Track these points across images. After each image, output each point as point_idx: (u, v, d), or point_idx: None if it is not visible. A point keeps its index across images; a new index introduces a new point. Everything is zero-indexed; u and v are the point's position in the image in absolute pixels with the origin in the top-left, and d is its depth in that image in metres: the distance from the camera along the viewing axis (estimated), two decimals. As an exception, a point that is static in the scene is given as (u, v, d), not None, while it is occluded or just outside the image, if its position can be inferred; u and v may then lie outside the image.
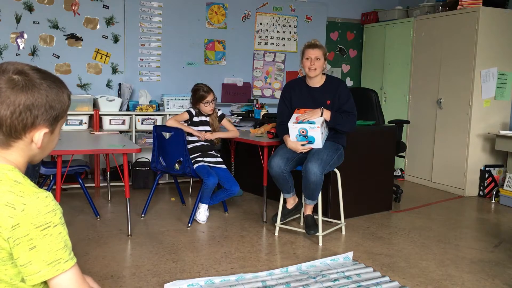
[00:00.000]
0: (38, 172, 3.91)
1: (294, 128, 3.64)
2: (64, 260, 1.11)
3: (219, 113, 4.37)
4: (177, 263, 3.20)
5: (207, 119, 4.28)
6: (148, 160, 5.30)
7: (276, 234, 3.84)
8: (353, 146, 4.15)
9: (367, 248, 3.59)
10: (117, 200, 4.81)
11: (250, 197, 5.07)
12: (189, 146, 4.18)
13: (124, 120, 5.41)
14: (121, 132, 5.20)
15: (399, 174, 6.22)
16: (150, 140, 5.31)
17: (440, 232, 4.03)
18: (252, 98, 6.36)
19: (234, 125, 4.61)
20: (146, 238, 3.69)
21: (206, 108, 4.20)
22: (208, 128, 4.28)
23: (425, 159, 5.91)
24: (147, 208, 4.31)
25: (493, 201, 5.15)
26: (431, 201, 5.14)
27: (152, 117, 5.53)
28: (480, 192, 5.37)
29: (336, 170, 3.82)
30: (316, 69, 3.72)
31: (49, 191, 1.15)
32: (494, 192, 5.18)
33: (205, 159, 4.17)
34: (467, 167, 5.36)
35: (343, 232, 3.93)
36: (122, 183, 4.34)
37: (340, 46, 7.06)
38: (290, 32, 6.62)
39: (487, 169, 5.31)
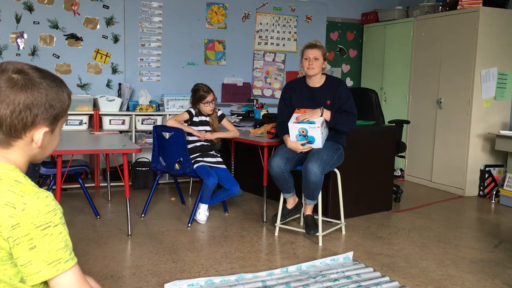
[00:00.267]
0: (38, 172, 3.91)
1: (294, 128, 3.64)
2: (65, 260, 1.11)
3: (219, 113, 4.37)
4: (177, 263, 3.20)
5: (207, 119, 4.28)
6: (148, 160, 5.30)
7: (276, 234, 3.84)
8: (353, 146, 4.15)
9: (367, 248, 3.59)
10: (117, 200, 4.81)
11: (250, 197, 5.07)
12: (189, 146, 4.18)
13: (124, 120, 5.41)
14: (121, 132, 5.20)
15: (399, 174, 6.22)
16: (150, 140, 5.31)
17: (440, 232, 4.03)
18: (252, 98, 6.36)
19: (234, 125, 4.62)
20: (146, 238, 3.69)
21: (206, 108, 4.20)
22: (208, 128, 4.28)
23: (425, 159, 5.91)
24: (147, 208, 4.31)
25: (493, 201, 5.15)
26: (431, 201, 5.14)
27: (152, 117, 5.53)
28: (480, 192, 5.37)
29: (336, 170, 3.82)
30: (314, 68, 3.72)
31: (49, 191, 1.15)
32: (494, 192, 5.18)
33: (205, 159, 4.17)
34: (467, 167, 5.36)
35: (343, 232, 3.93)
36: (122, 183, 4.34)
37: (340, 46, 7.06)
38: (290, 32, 6.62)
39: (487, 169, 5.31)
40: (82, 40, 5.55)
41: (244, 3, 6.30)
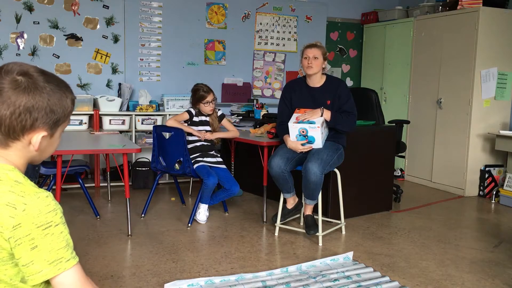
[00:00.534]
0: (38, 172, 3.91)
1: (294, 128, 3.64)
2: (66, 259, 1.11)
3: (219, 113, 4.37)
4: (177, 263, 3.20)
5: (207, 119, 4.28)
6: (148, 160, 5.30)
7: (276, 234, 3.84)
8: (353, 146, 4.15)
9: (367, 248, 3.59)
10: (117, 200, 4.81)
11: (250, 197, 5.07)
12: (189, 146, 4.18)
13: (124, 120, 5.41)
14: (121, 132, 5.20)
15: (399, 174, 6.22)
16: (150, 140, 5.31)
17: (440, 232, 4.03)
18: (252, 98, 6.36)
19: (234, 125, 4.62)
20: (146, 238, 3.69)
21: (206, 108, 4.20)
22: (208, 128, 4.28)
23: (425, 159, 5.91)
24: (147, 208, 4.31)
25: (493, 201, 5.15)
26: (431, 201, 5.14)
27: (152, 117, 5.53)
28: (480, 192, 5.37)
29: (336, 170, 3.82)
30: (313, 67, 3.72)
31: (49, 191, 1.15)
32: (494, 192, 5.18)
33: (205, 159, 4.17)
34: (467, 167, 5.36)
35: (343, 232, 3.93)
36: (122, 183, 4.34)
37: (340, 46, 7.06)
38: (290, 32, 6.62)
39: (487, 169, 5.31)
40: (82, 40, 5.55)
41: (244, 3, 6.30)
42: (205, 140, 4.24)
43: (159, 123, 5.51)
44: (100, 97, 5.36)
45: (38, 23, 5.35)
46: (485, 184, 5.32)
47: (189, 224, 4.01)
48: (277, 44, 6.58)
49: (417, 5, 6.28)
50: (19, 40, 5.30)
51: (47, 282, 1.14)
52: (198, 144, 4.23)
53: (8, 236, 1.08)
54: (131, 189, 4.96)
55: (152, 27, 5.85)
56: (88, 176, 5.49)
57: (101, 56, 5.67)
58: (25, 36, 5.32)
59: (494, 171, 5.32)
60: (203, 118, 4.27)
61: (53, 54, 5.45)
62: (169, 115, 5.32)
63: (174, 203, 4.81)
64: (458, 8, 5.47)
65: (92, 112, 5.27)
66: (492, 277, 3.08)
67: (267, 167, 3.91)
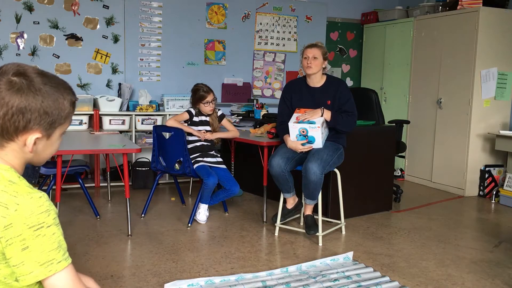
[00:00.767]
0: (38, 172, 3.91)
1: (294, 127, 3.64)
2: (57, 261, 1.11)
3: (219, 113, 4.36)
4: (177, 263, 3.20)
5: (207, 119, 4.28)
6: (148, 160, 5.30)
7: (276, 234, 3.84)
8: (353, 146, 4.15)
9: (367, 248, 3.59)
10: (117, 200, 4.81)
11: (250, 197, 5.07)
12: (189, 146, 4.18)
13: (124, 120, 5.41)
14: (121, 132, 5.20)
15: (399, 174, 6.22)
16: (150, 140, 5.31)
17: (440, 232, 4.03)
18: (252, 98, 6.36)
19: (234, 125, 4.61)
20: (146, 238, 3.69)
21: (206, 108, 4.20)
22: (208, 128, 4.28)
23: (425, 159, 5.91)
24: (147, 208, 4.31)
25: (493, 201, 5.15)
26: (431, 201, 5.14)
27: (152, 117, 5.53)
28: (480, 192, 5.37)
29: (336, 170, 3.82)
30: (312, 67, 3.72)
31: (49, 191, 1.16)
32: (494, 192, 5.18)
33: (205, 159, 4.17)
34: (467, 167, 5.36)
35: (343, 232, 3.93)
36: (122, 183, 4.34)
37: (340, 46, 7.06)
38: (290, 32, 6.62)
39: (487, 169, 5.31)
40: (82, 40, 5.55)
41: (244, 3, 6.30)
42: (205, 140, 4.24)
43: (159, 123, 5.51)
44: (100, 97, 5.36)
45: (38, 23, 5.35)
46: (485, 184, 5.32)
47: (189, 224, 4.01)
48: (277, 44, 6.58)
49: (417, 5, 6.28)
50: (19, 40, 5.30)
51: (41, 282, 1.14)
52: (198, 144, 4.23)
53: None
54: (131, 189, 4.96)
55: (152, 27, 5.85)
56: (88, 176, 5.49)
57: (101, 56, 5.67)
58: (25, 36, 5.32)
59: (494, 171, 5.32)
60: (203, 118, 4.27)
61: (53, 54, 5.45)
62: (169, 115, 5.32)
63: (174, 203, 4.81)
64: (458, 8, 5.48)
65: (92, 112, 5.27)
66: (492, 277, 3.08)
67: (267, 166, 3.90)
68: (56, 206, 3.58)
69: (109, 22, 5.63)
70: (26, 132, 1.15)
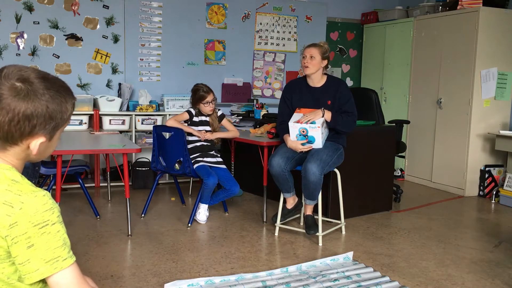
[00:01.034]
0: (38, 172, 3.91)
1: (294, 127, 3.64)
2: (63, 258, 1.11)
3: (219, 113, 4.36)
4: (177, 263, 3.20)
5: (207, 119, 4.28)
6: (148, 160, 5.30)
7: (276, 234, 3.84)
8: (353, 146, 4.15)
9: (367, 248, 3.59)
10: (117, 200, 4.81)
11: (250, 197, 5.07)
12: (189, 146, 4.18)
13: (124, 120, 5.41)
14: (121, 132, 5.20)
15: (399, 174, 6.22)
16: (150, 140, 5.31)
17: (440, 232, 4.03)
18: (252, 98, 6.36)
19: (234, 125, 4.61)
20: (146, 238, 3.69)
21: (206, 108, 4.20)
22: (208, 128, 4.28)
23: (425, 159, 5.91)
24: (147, 208, 4.31)
25: (493, 201, 5.15)
26: (431, 201, 5.14)
27: (152, 117, 5.53)
28: (480, 192, 5.37)
29: (336, 170, 3.82)
30: (309, 67, 3.72)
31: (49, 191, 1.16)
32: (494, 192, 5.18)
33: (205, 159, 4.17)
34: (467, 167, 5.36)
35: (343, 232, 3.93)
36: (122, 183, 4.34)
37: (340, 46, 7.06)
38: (290, 32, 6.62)
39: (487, 169, 5.31)
40: (82, 40, 5.55)
41: (244, 3, 6.30)
42: (205, 140, 4.24)
43: (159, 123, 5.51)
44: (100, 97, 5.36)
45: (38, 23, 5.35)
46: (485, 184, 5.32)
47: (189, 224, 4.01)
48: (277, 44, 6.58)
49: (417, 5, 6.28)
50: (19, 40, 5.30)
51: (45, 281, 1.14)
52: (198, 144, 4.23)
53: (5, 235, 1.09)
54: (131, 189, 4.96)
55: (152, 27, 5.85)
56: (88, 176, 5.49)
57: (101, 56, 5.67)
58: (25, 36, 5.32)
59: (494, 171, 5.32)
60: (203, 118, 4.27)
61: (53, 54, 5.45)
62: (169, 115, 5.32)
63: (174, 203, 4.81)
64: (458, 8, 5.48)
65: (92, 112, 5.27)
66: (492, 277, 3.08)
67: (267, 166, 3.90)
68: (56, 206, 3.57)
69: (109, 22, 5.63)
70: (31, 136, 1.16)
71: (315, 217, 3.75)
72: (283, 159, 3.65)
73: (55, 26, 5.41)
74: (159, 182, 5.43)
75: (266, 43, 6.51)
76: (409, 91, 6.17)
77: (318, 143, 3.63)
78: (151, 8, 5.83)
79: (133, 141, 5.37)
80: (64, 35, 5.48)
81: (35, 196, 1.11)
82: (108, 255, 3.32)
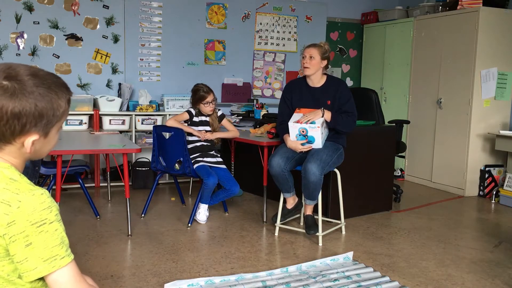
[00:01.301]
0: (38, 172, 3.90)
1: (294, 127, 3.64)
2: (61, 257, 1.12)
3: (219, 113, 4.36)
4: (177, 263, 3.20)
5: (207, 119, 4.28)
6: (148, 160, 5.30)
7: (276, 234, 3.84)
8: (353, 146, 4.15)
9: (367, 248, 3.59)
10: (117, 200, 4.81)
11: (250, 197, 5.07)
12: (189, 146, 4.18)
13: (124, 120, 5.41)
14: (121, 132, 5.20)
15: (399, 174, 6.22)
16: (150, 140, 5.31)
17: (440, 232, 4.03)
18: (252, 98, 6.36)
19: (234, 125, 4.61)
20: (146, 238, 3.69)
21: (206, 108, 4.20)
22: (208, 128, 4.28)
23: (425, 159, 5.91)
24: (147, 208, 4.31)
25: (493, 201, 5.15)
26: (431, 201, 5.14)
27: (152, 117, 5.53)
28: (480, 192, 5.37)
29: (336, 170, 3.82)
30: (309, 67, 3.72)
31: (49, 191, 1.16)
32: (494, 192, 5.18)
33: (205, 159, 4.17)
34: (467, 167, 5.36)
35: (343, 232, 3.93)
36: (122, 183, 4.34)
37: (340, 46, 7.06)
38: (290, 32, 6.62)
39: (487, 169, 5.31)
40: (82, 40, 5.55)
41: (244, 3, 6.30)
42: (205, 140, 4.24)
43: (159, 123, 5.51)
44: (100, 97, 5.36)
45: (38, 23, 5.35)
46: (485, 184, 5.32)
47: (189, 224, 4.01)
48: (277, 44, 6.58)
49: (417, 5, 6.28)
50: (19, 40, 5.30)
51: (43, 279, 1.14)
52: (198, 144, 4.23)
53: (3, 233, 1.09)
54: (131, 189, 4.96)
55: (152, 27, 5.85)
56: (88, 176, 5.49)
57: (101, 56, 5.67)
58: (25, 36, 5.32)
59: (494, 171, 5.32)
60: (203, 118, 4.27)
61: (53, 54, 5.45)
62: (169, 115, 5.32)
63: (174, 203, 4.81)
64: (458, 8, 5.48)
65: (92, 112, 5.27)
66: (492, 277, 3.08)
67: (267, 166, 3.90)
68: (56, 206, 3.57)
69: (109, 22, 5.63)
70: (23, 135, 1.15)
71: (315, 217, 3.75)
72: (282, 159, 3.65)
73: (55, 26, 5.41)
74: (159, 182, 5.43)
75: (266, 43, 6.51)
76: (409, 91, 6.17)
77: (318, 143, 3.63)
78: (151, 8, 5.83)
79: (133, 141, 5.37)
80: (64, 35, 5.48)
81: (32, 195, 1.11)
82: (108, 255, 3.32)
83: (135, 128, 5.47)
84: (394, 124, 4.94)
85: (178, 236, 3.76)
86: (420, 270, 3.17)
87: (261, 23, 6.44)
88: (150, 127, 5.26)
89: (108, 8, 5.61)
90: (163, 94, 5.73)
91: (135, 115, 5.46)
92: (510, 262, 3.36)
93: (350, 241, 3.74)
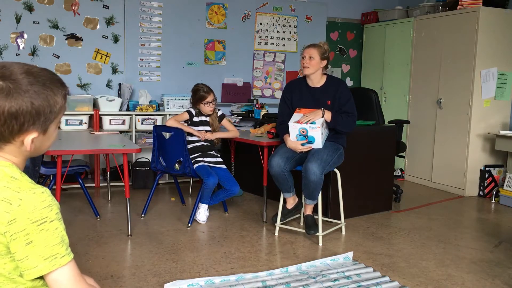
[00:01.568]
0: (38, 172, 3.91)
1: (294, 127, 3.64)
2: (61, 255, 1.12)
3: (219, 113, 4.37)
4: (177, 263, 3.20)
5: (207, 119, 4.28)
6: (148, 160, 5.30)
7: (276, 234, 3.84)
8: (353, 146, 4.15)
9: (367, 248, 3.59)
10: (117, 200, 4.81)
11: (250, 197, 5.07)
12: (189, 146, 4.18)
13: (124, 120, 5.41)
14: (121, 132, 5.20)
15: (399, 174, 6.22)
16: (150, 140, 5.31)
17: (440, 232, 4.03)
18: (252, 98, 6.36)
19: (234, 125, 4.61)
20: (146, 238, 3.69)
21: (206, 108, 4.20)
22: (208, 128, 4.28)
23: (425, 159, 5.91)
24: (147, 208, 4.31)
25: (493, 201, 5.15)
26: (431, 201, 5.14)
27: (152, 117, 5.53)
28: (480, 192, 5.37)
29: (336, 170, 3.82)
30: (308, 67, 3.72)
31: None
32: (494, 192, 5.18)
33: (205, 159, 4.17)
34: (467, 167, 5.36)
35: (343, 232, 3.93)
36: (122, 183, 4.34)
37: (340, 46, 7.06)
38: (290, 32, 6.62)
39: (487, 169, 5.31)
40: (82, 40, 5.55)
41: (244, 3, 6.30)
42: (205, 140, 4.24)
43: (159, 123, 5.51)
44: (100, 97, 5.36)
45: (38, 23, 5.35)
46: (485, 184, 5.32)
47: (189, 224, 4.01)
48: (277, 44, 6.58)
49: (417, 5, 6.28)
50: (19, 40, 5.30)
51: (44, 277, 1.14)
52: (198, 144, 4.23)
53: (3, 231, 1.09)
54: (131, 189, 4.96)
55: (152, 27, 5.85)
56: (88, 176, 5.49)
57: (101, 56, 5.67)
58: (25, 36, 5.32)
59: (494, 171, 5.32)
60: (203, 118, 4.27)
61: (53, 54, 5.45)
62: (169, 115, 5.32)
63: (174, 203, 4.81)
64: (458, 8, 5.48)
65: (92, 112, 5.27)
66: (492, 277, 3.08)
67: (267, 166, 3.90)
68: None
69: (109, 22, 5.63)
70: (22, 134, 1.15)
71: (315, 217, 3.75)
72: (282, 159, 3.65)
73: (55, 26, 5.41)
74: (159, 182, 5.43)
75: (266, 43, 6.51)
76: (409, 91, 6.17)
77: (318, 143, 3.64)
78: (151, 8, 5.83)
79: (133, 141, 5.37)
80: (64, 35, 5.48)
81: (33, 193, 1.11)
82: (108, 255, 3.32)
83: (135, 128, 5.47)
84: (394, 124, 4.94)
85: (178, 236, 3.76)
86: (420, 270, 3.17)
87: (261, 23, 6.44)
88: (150, 127, 5.26)
89: (108, 8, 5.61)
90: (163, 94, 5.73)
91: (135, 115, 5.46)
92: (510, 262, 3.36)
93: (350, 241, 3.74)
